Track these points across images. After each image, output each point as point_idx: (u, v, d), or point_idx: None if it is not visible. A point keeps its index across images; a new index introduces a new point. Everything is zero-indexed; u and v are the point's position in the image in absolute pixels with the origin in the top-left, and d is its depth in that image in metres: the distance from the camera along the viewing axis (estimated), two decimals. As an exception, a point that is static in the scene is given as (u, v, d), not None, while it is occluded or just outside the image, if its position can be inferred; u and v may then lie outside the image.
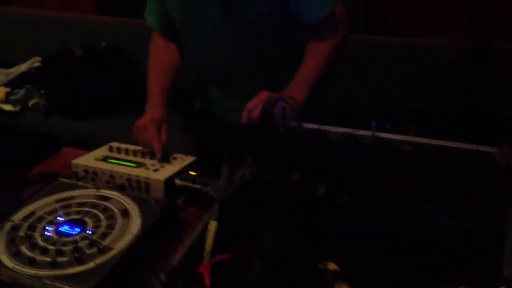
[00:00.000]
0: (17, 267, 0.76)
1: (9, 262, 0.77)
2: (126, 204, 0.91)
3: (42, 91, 2.15)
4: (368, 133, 0.67)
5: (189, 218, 0.95)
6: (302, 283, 0.63)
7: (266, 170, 0.70)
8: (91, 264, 0.77)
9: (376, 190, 0.66)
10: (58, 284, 0.73)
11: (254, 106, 0.97)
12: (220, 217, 0.68)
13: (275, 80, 1.19)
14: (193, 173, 1.02)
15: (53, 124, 2.18)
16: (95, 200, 0.92)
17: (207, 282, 0.60)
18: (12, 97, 2.24)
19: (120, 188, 1.01)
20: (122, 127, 2.24)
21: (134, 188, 1.01)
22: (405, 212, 0.65)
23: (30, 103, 2.23)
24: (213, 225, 0.68)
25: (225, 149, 0.74)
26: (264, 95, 0.97)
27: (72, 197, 0.93)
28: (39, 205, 0.91)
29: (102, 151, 1.13)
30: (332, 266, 0.64)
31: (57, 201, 0.92)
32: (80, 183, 0.98)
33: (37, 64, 2.35)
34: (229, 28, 1.16)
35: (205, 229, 0.70)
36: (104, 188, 0.96)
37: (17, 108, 2.23)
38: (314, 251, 0.65)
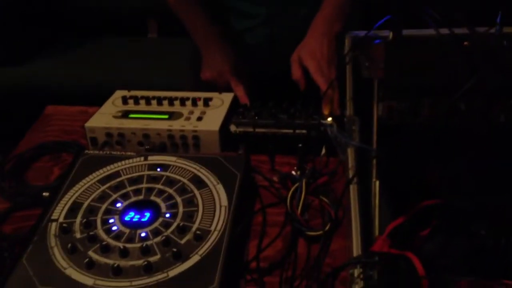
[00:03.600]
0: (100, 282, 0.57)
1: (86, 279, 0.57)
2: (193, 170, 0.72)
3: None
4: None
5: (263, 172, 0.79)
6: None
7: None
8: (195, 258, 0.59)
9: None
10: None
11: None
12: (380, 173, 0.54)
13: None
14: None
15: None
16: (150, 172, 0.72)
17: (419, 267, 0.46)
18: None
19: (161, 150, 0.81)
20: (63, 67, 1.91)
21: (179, 146, 0.82)
22: None
23: None
24: (377, 187, 0.53)
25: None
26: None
27: (117, 174, 0.72)
28: (79, 192, 0.69)
29: (114, 104, 0.89)
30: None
31: (100, 181, 0.71)
32: (116, 153, 0.76)
33: None
34: None
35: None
36: (152, 154, 0.75)
37: None
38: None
